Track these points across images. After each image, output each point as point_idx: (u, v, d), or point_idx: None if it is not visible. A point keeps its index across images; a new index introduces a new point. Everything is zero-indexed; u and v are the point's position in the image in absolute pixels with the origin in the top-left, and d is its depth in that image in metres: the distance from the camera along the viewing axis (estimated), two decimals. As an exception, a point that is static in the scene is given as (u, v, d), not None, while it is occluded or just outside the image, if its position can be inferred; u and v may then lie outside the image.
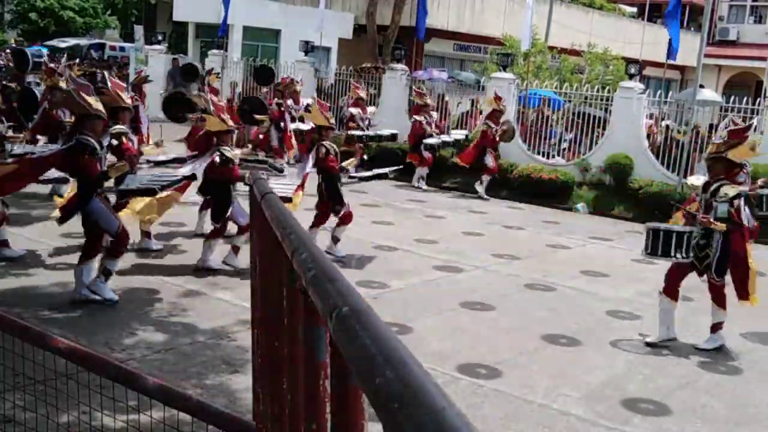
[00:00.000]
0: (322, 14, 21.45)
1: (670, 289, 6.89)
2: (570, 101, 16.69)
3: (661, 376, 6.21)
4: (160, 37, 23.02)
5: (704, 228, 6.70)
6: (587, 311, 7.89)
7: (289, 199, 7.86)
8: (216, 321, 6.65)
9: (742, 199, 6.68)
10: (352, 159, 9.71)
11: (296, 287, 1.63)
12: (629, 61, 17.57)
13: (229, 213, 8.02)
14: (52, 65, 11.46)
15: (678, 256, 6.64)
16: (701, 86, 15.26)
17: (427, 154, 14.98)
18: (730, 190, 6.57)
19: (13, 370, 3.51)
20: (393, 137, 14.76)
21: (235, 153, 8.14)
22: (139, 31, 26.39)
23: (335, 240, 9.02)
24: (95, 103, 6.81)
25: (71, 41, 28.27)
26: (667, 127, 15.46)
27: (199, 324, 6.56)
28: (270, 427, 2.41)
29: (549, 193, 14.59)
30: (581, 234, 12.01)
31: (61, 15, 32.52)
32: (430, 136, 14.88)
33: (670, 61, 19.09)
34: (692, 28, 35.81)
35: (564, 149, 16.60)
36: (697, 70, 14.59)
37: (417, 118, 15.06)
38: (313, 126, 9.52)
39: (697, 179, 7.45)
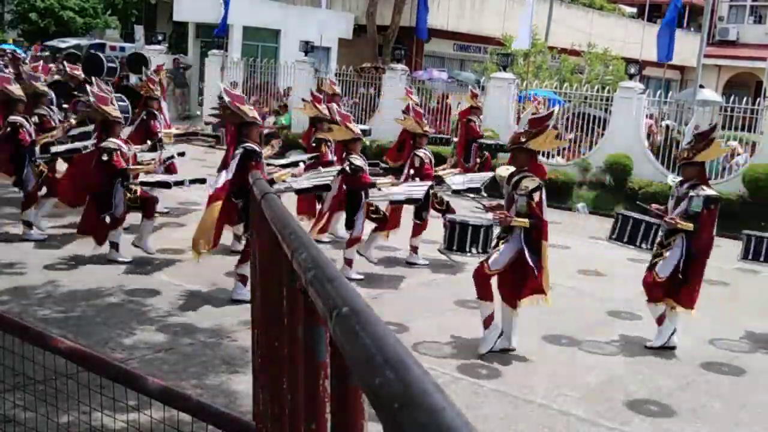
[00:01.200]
0: (322, 14, 21.45)
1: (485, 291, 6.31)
2: (570, 101, 16.68)
3: (661, 376, 6.21)
4: (160, 37, 22.97)
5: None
6: (587, 311, 7.89)
7: (417, 201, 8.14)
8: (216, 321, 6.65)
9: (542, 191, 6.32)
10: (448, 170, 9.60)
11: (296, 287, 1.63)
12: (629, 61, 17.56)
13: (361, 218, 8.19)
14: (152, 75, 11.14)
15: (473, 251, 6.32)
16: (701, 86, 15.28)
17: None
18: (530, 183, 6.27)
19: (13, 370, 3.52)
20: (447, 141, 14.68)
21: (363, 161, 8.20)
22: (139, 31, 26.42)
23: (414, 249, 9.21)
24: (250, 111, 7.19)
25: (71, 41, 28.18)
26: (667, 127, 15.45)
27: (199, 324, 6.56)
28: (270, 427, 2.41)
29: (549, 193, 14.54)
30: (581, 234, 12.01)
31: (61, 15, 32.44)
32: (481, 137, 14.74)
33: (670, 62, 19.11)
34: (692, 28, 35.80)
35: (564, 149, 16.59)
36: (697, 70, 14.62)
37: (471, 118, 14.89)
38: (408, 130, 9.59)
39: (506, 170, 6.78)
